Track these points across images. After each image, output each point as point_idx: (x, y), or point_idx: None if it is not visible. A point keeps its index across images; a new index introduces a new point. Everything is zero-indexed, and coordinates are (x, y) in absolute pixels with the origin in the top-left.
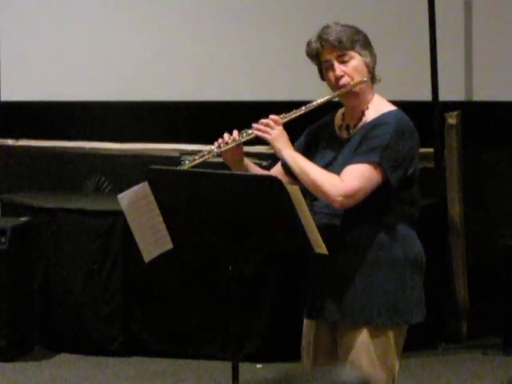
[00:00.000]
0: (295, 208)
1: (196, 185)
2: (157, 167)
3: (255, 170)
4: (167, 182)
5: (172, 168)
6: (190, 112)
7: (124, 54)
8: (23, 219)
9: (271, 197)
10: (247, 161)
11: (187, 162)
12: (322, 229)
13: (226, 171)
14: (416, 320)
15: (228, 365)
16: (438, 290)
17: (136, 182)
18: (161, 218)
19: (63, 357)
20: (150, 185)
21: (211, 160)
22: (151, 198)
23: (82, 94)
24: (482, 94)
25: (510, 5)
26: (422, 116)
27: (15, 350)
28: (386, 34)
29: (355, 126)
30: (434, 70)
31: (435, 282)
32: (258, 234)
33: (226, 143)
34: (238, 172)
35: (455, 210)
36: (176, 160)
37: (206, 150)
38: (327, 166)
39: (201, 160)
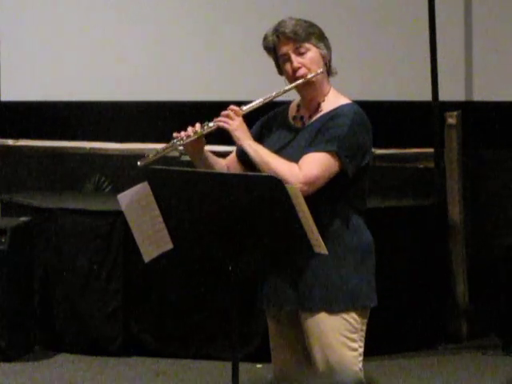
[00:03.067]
0: (295, 208)
1: (196, 185)
2: (157, 167)
3: (214, 160)
4: (167, 181)
5: (172, 168)
6: (190, 112)
7: (124, 54)
8: (23, 219)
9: (271, 197)
10: (207, 152)
11: (150, 155)
12: None
13: (226, 171)
14: (372, 304)
15: (228, 365)
16: (438, 290)
17: (136, 182)
18: (161, 218)
19: (63, 357)
20: (150, 185)
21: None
22: (151, 198)
23: (81, 94)
24: (482, 94)
25: (510, 5)
26: (422, 116)
27: (15, 349)
28: (387, 34)
29: (310, 117)
30: (434, 69)
31: (435, 282)
32: (257, 233)
33: (188, 136)
34: (238, 172)
35: (455, 210)
36: (176, 160)
37: (169, 144)
38: (278, 152)
39: (163, 153)
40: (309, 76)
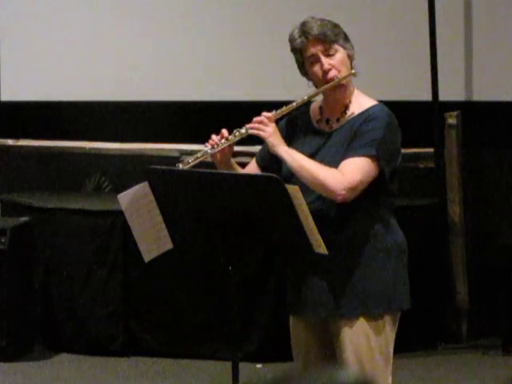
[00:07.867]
0: (295, 208)
1: (196, 185)
2: (157, 167)
3: (238, 169)
4: (167, 181)
5: (172, 168)
6: (190, 112)
7: (124, 54)
8: (23, 219)
9: (271, 197)
10: (232, 160)
11: (181, 165)
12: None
13: (226, 171)
14: (407, 306)
15: (228, 365)
16: (438, 290)
17: (136, 182)
18: (161, 218)
19: (63, 357)
20: (150, 185)
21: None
22: (151, 197)
23: (81, 94)
24: (482, 94)
25: (510, 5)
26: (422, 116)
27: (15, 349)
28: (386, 34)
29: (338, 119)
30: (434, 69)
31: (435, 282)
32: (257, 234)
33: (218, 144)
34: (238, 172)
35: (455, 210)
36: (176, 160)
37: (201, 152)
38: (310, 158)
39: (196, 162)
40: (339, 78)
